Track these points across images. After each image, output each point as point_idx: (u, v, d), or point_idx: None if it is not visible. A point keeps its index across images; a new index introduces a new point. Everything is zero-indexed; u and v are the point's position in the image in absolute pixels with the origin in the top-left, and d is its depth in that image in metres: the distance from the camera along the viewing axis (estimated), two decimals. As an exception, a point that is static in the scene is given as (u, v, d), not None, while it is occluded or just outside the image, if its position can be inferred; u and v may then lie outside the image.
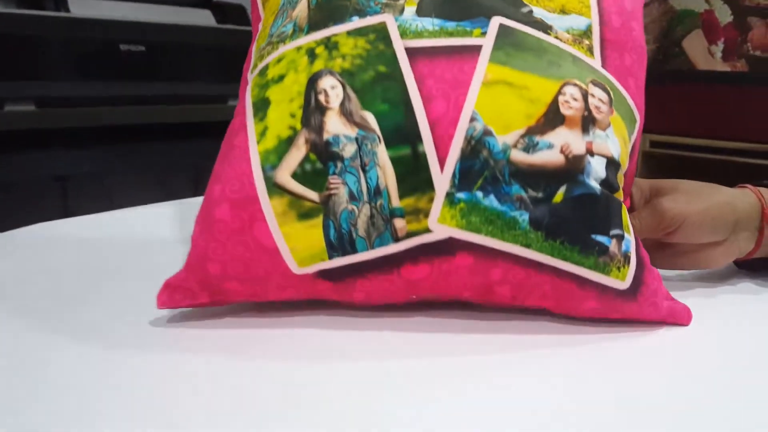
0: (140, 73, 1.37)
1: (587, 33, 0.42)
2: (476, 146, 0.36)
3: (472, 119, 0.36)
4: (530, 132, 0.37)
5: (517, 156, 0.36)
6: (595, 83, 0.40)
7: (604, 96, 0.39)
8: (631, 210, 0.46)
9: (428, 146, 0.36)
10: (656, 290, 0.40)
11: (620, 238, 0.38)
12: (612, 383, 0.33)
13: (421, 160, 0.36)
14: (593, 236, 0.37)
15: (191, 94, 1.46)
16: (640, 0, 0.48)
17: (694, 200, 0.45)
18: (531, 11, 0.41)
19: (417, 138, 0.36)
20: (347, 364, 0.35)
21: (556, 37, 0.40)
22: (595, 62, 0.41)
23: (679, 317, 0.40)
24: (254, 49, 0.44)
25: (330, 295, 0.39)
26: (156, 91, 1.41)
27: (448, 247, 0.36)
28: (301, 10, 0.41)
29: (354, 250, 0.36)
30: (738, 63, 2.86)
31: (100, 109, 1.35)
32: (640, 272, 0.39)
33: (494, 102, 0.37)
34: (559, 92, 0.38)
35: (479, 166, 0.36)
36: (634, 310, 0.39)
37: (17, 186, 1.52)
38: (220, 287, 0.38)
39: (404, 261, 0.36)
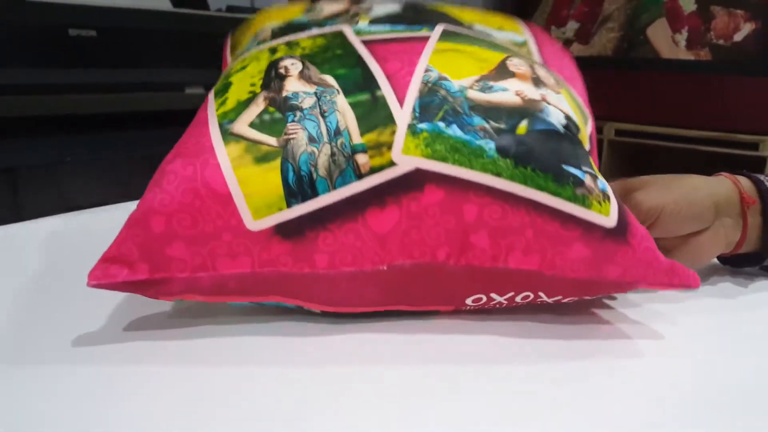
0: (91, 59, 1.30)
1: (525, 44, 0.45)
2: (433, 87, 0.36)
3: (427, 70, 0.37)
4: (484, 78, 0.38)
5: (474, 94, 0.37)
6: (541, 65, 0.41)
7: (549, 76, 0.41)
8: None
9: (386, 90, 0.36)
10: (647, 234, 0.36)
11: (594, 176, 0.36)
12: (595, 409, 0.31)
13: (380, 101, 0.36)
14: (565, 167, 0.35)
15: (146, 81, 1.41)
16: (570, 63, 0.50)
17: (667, 190, 0.44)
18: (471, 26, 0.45)
19: (375, 86, 0.36)
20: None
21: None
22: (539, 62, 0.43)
23: (685, 277, 0.36)
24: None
25: (288, 264, 0.34)
26: (108, 78, 1.34)
27: (415, 180, 0.34)
28: (265, 36, 0.44)
29: (315, 193, 0.34)
30: (701, 51, 2.89)
31: (49, 98, 1.28)
32: (625, 214, 0.36)
33: (446, 60, 0.38)
34: (506, 58, 0.40)
35: (438, 101, 0.36)
36: (629, 257, 0.35)
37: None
38: (162, 253, 0.33)
39: (369, 203, 0.34)
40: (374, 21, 0.43)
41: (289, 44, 0.41)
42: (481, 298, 0.37)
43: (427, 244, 0.34)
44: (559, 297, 0.38)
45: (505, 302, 0.38)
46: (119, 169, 1.96)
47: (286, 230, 0.34)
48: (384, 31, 0.41)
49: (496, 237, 0.34)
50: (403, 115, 0.35)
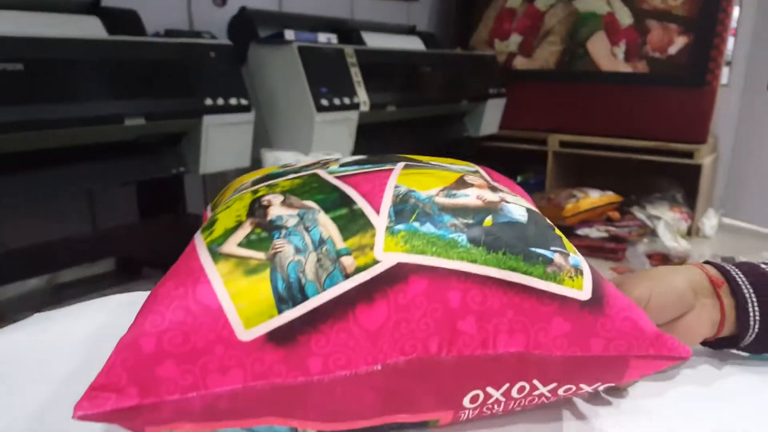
0: (19, 94, 1.19)
1: (477, 172, 0.48)
2: (404, 197, 0.40)
3: (396, 186, 0.41)
4: (447, 188, 0.42)
5: (441, 200, 0.40)
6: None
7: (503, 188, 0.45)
8: None
9: (362, 204, 0.40)
10: (627, 306, 0.39)
11: (565, 254, 0.39)
12: None
13: (357, 213, 0.39)
14: (532, 248, 0.38)
15: (81, 116, 1.30)
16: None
17: (649, 279, 0.48)
18: (429, 162, 0.49)
19: (352, 202, 0.40)
20: None
21: None
22: None
23: (675, 348, 0.39)
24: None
25: (281, 374, 0.34)
26: (39, 114, 1.23)
27: (399, 275, 0.36)
28: (245, 186, 0.47)
29: (305, 297, 0.35)
30: (639, 63, 2.98)
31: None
32: (600, 286, 0.39)
33: (412, 179, 0.43)
34: (463, 176, 0.44)
35: (410, 207, 0.39)
36: (609, 328, 0.37)
37: None
38: (152, 375, 0.33)
39: (358, 300, 0.35)
40: (344, 165, 0.47)
41: (269, 186, 0.44)
42: (478, 396, 0.38)
43: (417, 337, 0.36)
44: (554, 384, 0.39)
45: (503, 399, 0.39)
46: (57, 206, 1.82)
47: (278, 336, 0.34)
48: (353, 170, 0.45)
49: (481, 321, 0.36)
50: (380, 220, 0.38)
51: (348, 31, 2.23)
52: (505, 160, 2.69)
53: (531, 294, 0.37)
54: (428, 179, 0.43)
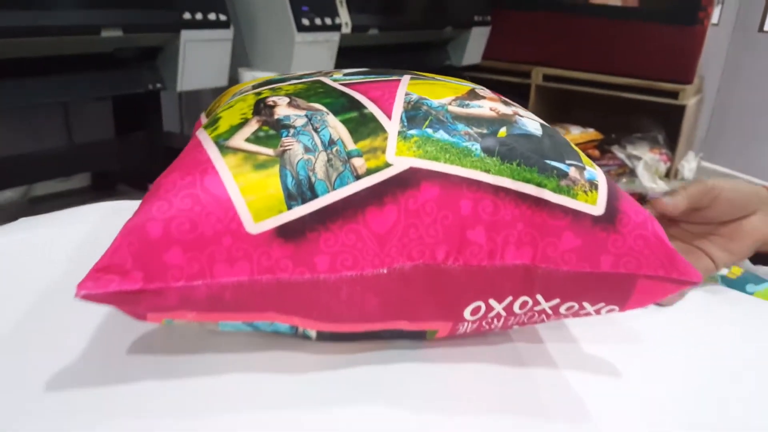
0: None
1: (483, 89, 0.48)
2: (416, 104, 0.39)
3: (407, 94, 0.40)
4: (459, 99, 0.40)
5: (454, 109, 0.39)
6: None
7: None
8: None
9: (373, 108, 0.38)
10: (643, 222, 0.38)
11: (581, 168, 0.38)
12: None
13: (368, 117, 0.38)
14: (548, 161, 0.38)
15: (58, 24, 1.26)
16: None
17: (724, 181, 0.53)
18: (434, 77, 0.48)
19: (362, 107, 0.38)
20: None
21: None
22: None
23: (686, 272, 0.38)
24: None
25: (288, 269, 0.34)
26: (17, 21, 1.19)
27: (411, 179, 0.35)
28: (245, 90, 0.46)
29: (314, 195, 0.35)
30: (629, -2, 2.89)
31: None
32: (615, 201, 0.38)
33: (422, 88, 0.41)
34: (474, 88, 0.43)
35: (423, 113, 0.38)
36: (621, 244, 0.37)
37: None
38: (158, 260, 0.32)
39: (368, 202, 0.35)
40: (348, 75, 0.45)
41: (272, 89, 0.42)
42: (480, 308, 0.38)
43: (425, 243, 0.35)
44: (557, 301, 0.38)
45: (504, 314, 0.39)
46: (32, 118, 1.79)
47: (287, 232, 0.34)
48: (359, 79, 0.43)
49: (490, 232, 0.36)
50: (392, 124, 0.37)
51: (333, -52, 2.15)
52: (488, 91, 2.67)
53: (543, 207, 0.36)
54: (439, 89, 0.41)
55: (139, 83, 1.59)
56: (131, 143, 1.85)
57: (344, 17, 1.89)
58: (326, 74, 0.46)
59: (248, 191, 0.34)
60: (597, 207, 0.37)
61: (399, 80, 0.42)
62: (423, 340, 0.42)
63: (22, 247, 0.51)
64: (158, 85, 1.61)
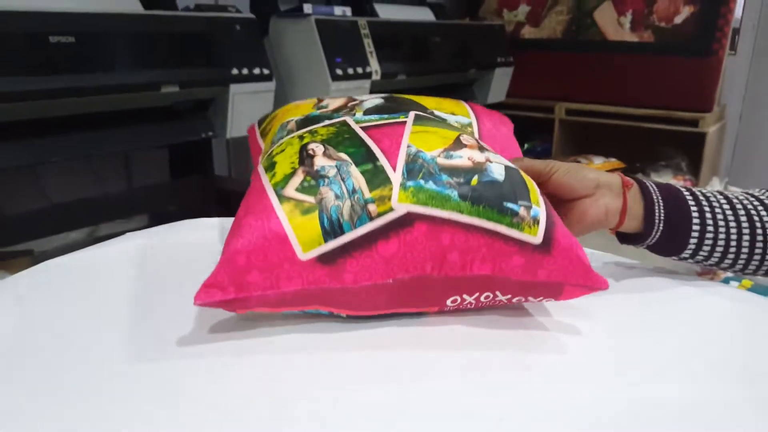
0: (71, 64, 1.35)
1: (470, 125, 0.67)
2: (414, 158, 0.54)
3: (409, 146, 0.55)
4: (446, 150, 0.55)
5: (441, 161, 0.54)
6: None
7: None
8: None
9: (383, 161, 0.53)
10: (569, 247, 0.53)
11: (528, 207, 0.53)
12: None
13: (379, 169, 0.53)
14: (505, 203, 0.53)
15: (123, 83, 1.46)
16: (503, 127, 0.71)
17: (564, 163, 0.63)
18: (433, 111, 0.65)
19: (375, 159, 0.54)
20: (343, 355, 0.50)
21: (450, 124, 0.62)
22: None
23: (596, 282, 0.54)
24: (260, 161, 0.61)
25: (326, 282, 0.50)
26: (88, 82, 1.39)
27: (407, 220, 0.51)
28: (291, 127, 0.62)
29: (342, 232, 0.50)
30: (645, 33, 3.06)
31: (32, 103, 1.33)
32: (551, 232, 0.53)
33: (420, 139, 0.56)
34: (460, 135, 0.58)
35: (418, 167, 0.53)
36: (552, 263, 0.52)
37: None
38: (244, 279, 0.49)
39: (379, 237, 0.51)
40: (366, 112, 0.61)
41: (311, 132, 0.59)
42: (456, 299, 0.55)
43: (417, 262, 0.51)
44: (509, 295, 0.55)
45: (474, 302, 0.55)
46: (96, 165, 2.00)
47: (324, 259, 0.50)
48: (375, 119, 0.60)
49: (463, 254, 0.51)
50: (396, 176, 0.52)
51: (362, 4, 2.35)
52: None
53: (500, 237, 0.51)
54: (433, 138, 0.56)
55: (194, 132, 1.78)
56: (185, 186, 2.04)
57: (374, 66, 2.07)
58: (351, 110, 0.62)
59: (298, 230, 0.50)
60: (537, 237, 0.52)
61: (405, 123, 0.58)
62: (421, 317, 0.58)
63: (133, 253, 0.69)
64: (210, 133, 1.79)
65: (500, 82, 2.85)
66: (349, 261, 0.50)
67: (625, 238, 0.67)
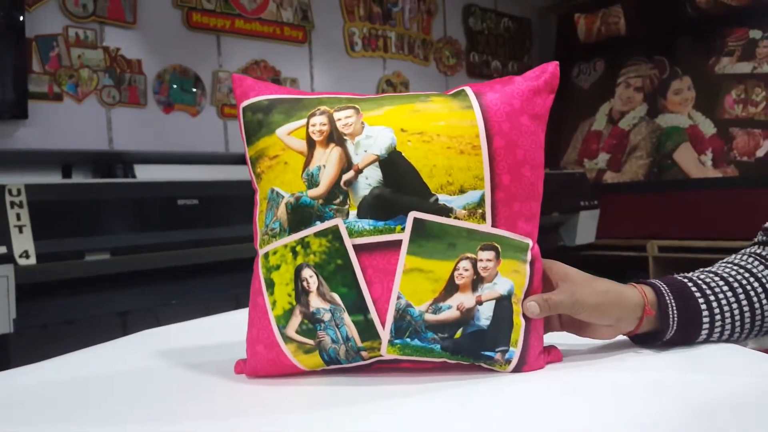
0: (194, 222, 1.66)
1: (481, 203, 0.58)
2: (402, 314, 0.58)
3: (399, 297, 0.59)
4: (435, 301, 0.59)
5: (429, 317, 0.59)
6: (484, 247, 0.58)
7: (491, 255, 0.58)
8: (548, 288, 0.64)
9: (373, 315, 0.59)
10: (537, 364, 0.61)
11: (505, 351, 0.59)
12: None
13: (370, 323, 0.59)
14: (482, 352, 0.59)
15: (232, 236, 1.74)
16: (536, 143, 0.61)
17: (593, 294, 0.62)
18: (437, 199, 0.57)
19: (366, 310, 0.59)
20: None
21: (455, 217, 0.58)
22: (486, 226, 0.58)
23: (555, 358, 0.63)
24: (257, 220, 0.64)
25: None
26: (205, 235, 1.69)
27: (395, 363, 0.60)
28: (282, 212, 0.60)
29: (339, 363, 0.60)
30: (728, 168, 3.10)
31: (160, 254, 1.63)
32: (521, 366, 0.60)
33: (411, 285, 0.58)
34: (455, 268, 0.58)
35: (405, 325, 0.59)
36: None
37: (81, 321, 1.75)
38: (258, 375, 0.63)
39: (371, 367, 0.61)
40: (360, 209, 0.57)
41: (302, 245, 0.59)
42: None
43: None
44: None
45: None
46: (209, 307, 2.28)
47: (327, 372, 0.61)
48: (369, 231, 0.57)
49: (441, 372, 0.60)
50: (385, 334, 0.59)
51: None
52: (605, 267, 2.85)
53: (475, 366, 0.60)
54: (424, 286, 0.57)
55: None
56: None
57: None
58: (344, 201, 0.57)
59: (303, 362, 0.60)
60: (507, 370, 0.60)
61: (401, 242, 0.57)
62: None
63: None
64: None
65: (587, 224, 2.93)
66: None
67: (637, 336, 0.67)
